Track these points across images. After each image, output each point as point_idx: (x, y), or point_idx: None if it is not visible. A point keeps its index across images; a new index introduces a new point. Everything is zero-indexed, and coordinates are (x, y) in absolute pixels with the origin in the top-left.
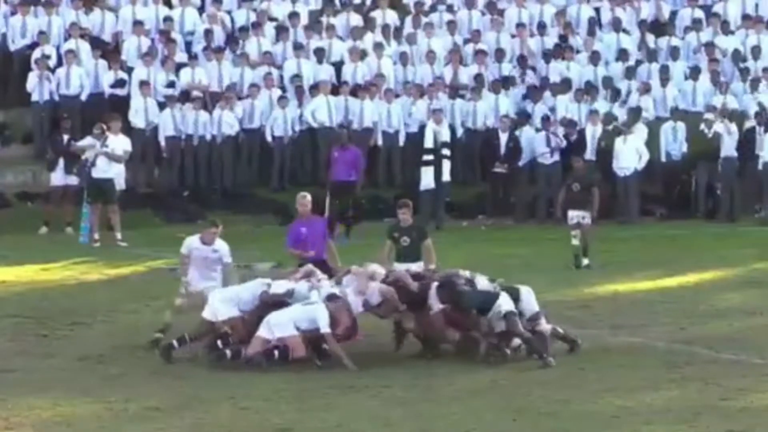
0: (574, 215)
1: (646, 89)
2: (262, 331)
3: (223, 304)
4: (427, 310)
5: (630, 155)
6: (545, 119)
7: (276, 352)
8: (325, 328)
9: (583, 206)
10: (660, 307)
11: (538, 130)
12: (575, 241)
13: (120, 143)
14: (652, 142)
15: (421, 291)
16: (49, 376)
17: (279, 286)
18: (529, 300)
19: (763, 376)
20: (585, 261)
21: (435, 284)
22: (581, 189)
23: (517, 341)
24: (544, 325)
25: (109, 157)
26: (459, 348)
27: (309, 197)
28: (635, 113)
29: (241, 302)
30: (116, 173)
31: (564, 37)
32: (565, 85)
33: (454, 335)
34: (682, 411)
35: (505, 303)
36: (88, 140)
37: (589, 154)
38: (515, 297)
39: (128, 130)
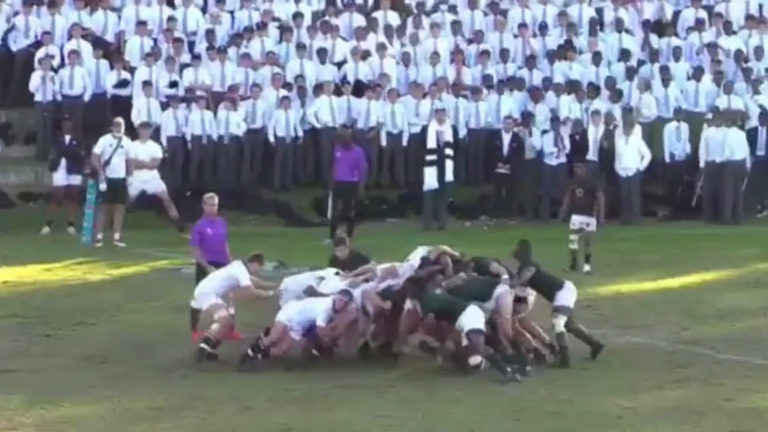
0: (577, 220)
1: (646, 86)
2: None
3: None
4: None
5: (632, 155)
6: (554, 120)
7: (250, 351)
8: (320, 322)
9: (587, 211)
10: (663, 307)
11: (545, 131)
12: (573, 246)
13: (149, 150)
14: (656, 143)
15: (401, 292)
16: (52, 376)
17: (326, 287)
18: (567, 296)
19: (766, 377)
20: (587, 267)
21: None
22: (585, 194)
23: (477, 359)
24: (559, 324)
25: (128, 164)
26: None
27: (216, 198)
28: (628, 113)
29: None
30: (148, 179)
31: (568, 39)
32: (570, 85)
33: (413, 342)
34: (686, 411)
35: (469, 320)
36: (103, 141)
37: (591, 155)
38: (556, 289)
39: (131, 130)
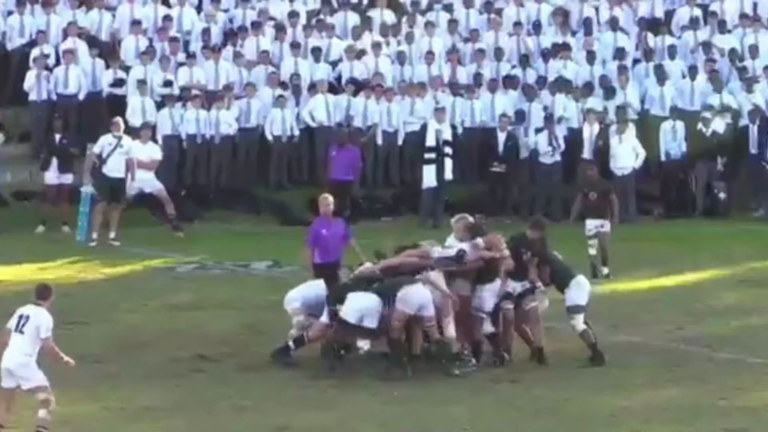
0: (592, 225)
1: (626, 80)
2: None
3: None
4: None
5: (627, 154)
6: (549, 118)
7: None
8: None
9: (601, 214)
10: (658, 306)
11: (539, 130)
12: (592, 251)
13: (149, 151)
14: (652, 141)
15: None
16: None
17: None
18: (576, 295)
19: (760, 375)
20: (605, 270)
21: None
22: (598, 197)
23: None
24: (579, 324)
25: (130, 166)
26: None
27: (331, 198)
28: (621, 111)
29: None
30: (145, 179)
31: (563, 39)
32: (565, 84)
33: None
34: (680, 410)
35: (344, 307)
36: (103, 140)
37: (586, 154)
38: (565, 286)
39: (127, 129)
